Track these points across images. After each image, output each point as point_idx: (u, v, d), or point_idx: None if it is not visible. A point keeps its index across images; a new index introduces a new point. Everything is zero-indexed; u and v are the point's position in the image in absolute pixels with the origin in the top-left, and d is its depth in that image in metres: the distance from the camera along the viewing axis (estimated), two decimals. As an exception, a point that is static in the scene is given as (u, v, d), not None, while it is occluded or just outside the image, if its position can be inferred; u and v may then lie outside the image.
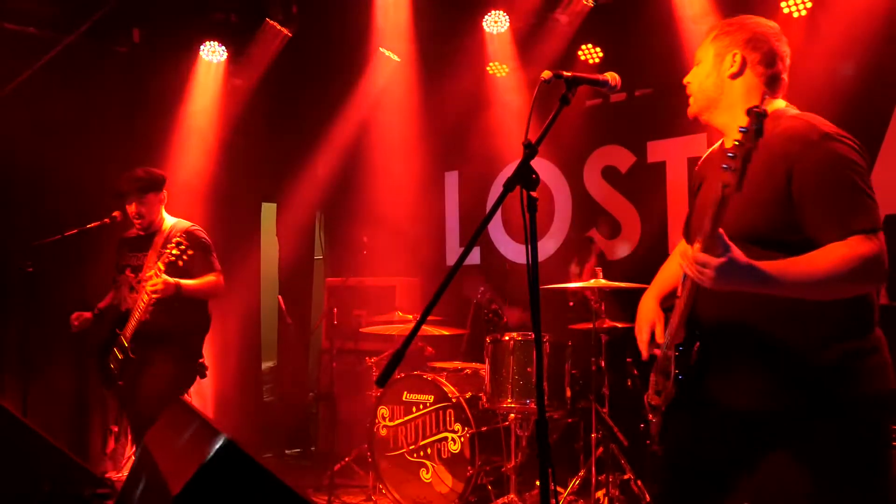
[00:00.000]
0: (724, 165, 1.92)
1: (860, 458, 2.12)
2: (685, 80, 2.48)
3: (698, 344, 2.22)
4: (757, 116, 1.89)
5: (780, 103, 2.34)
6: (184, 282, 4.22)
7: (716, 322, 2.21)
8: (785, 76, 2.36)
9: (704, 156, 2.60)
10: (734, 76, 2.34)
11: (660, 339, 2.41)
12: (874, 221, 2.05)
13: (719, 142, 2.50)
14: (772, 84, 2.34)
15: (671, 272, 2.63)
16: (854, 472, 2.12)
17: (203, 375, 4.52)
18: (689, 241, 2.44)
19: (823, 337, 2.12)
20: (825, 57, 4.70)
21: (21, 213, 5.66)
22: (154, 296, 4.13)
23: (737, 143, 1.91)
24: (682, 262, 2.08)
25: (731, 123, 2.33)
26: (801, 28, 4.91)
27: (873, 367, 2.13)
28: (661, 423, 2.33)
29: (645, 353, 2.51)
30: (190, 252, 4.16)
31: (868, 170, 2.12)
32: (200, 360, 4.51)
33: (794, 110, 2.29)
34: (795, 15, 4.94)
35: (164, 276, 4.11)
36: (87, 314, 4.58)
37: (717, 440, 2.28)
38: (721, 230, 1.97)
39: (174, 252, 4.10)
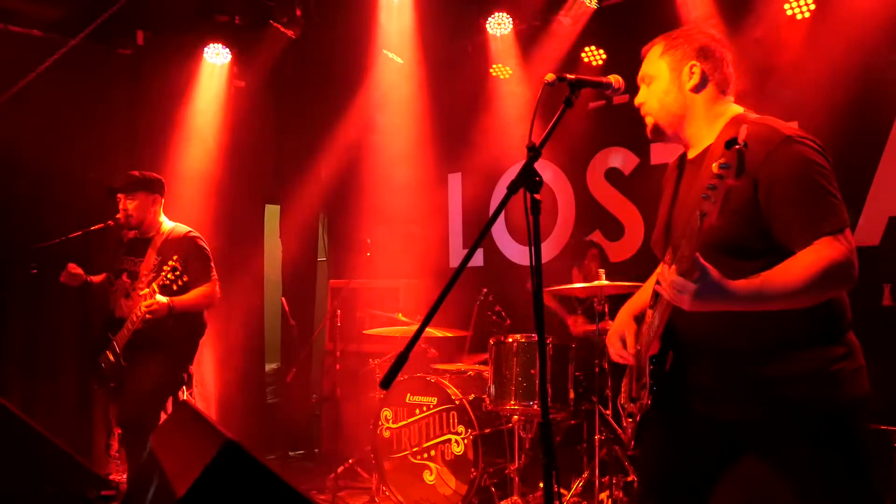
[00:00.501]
0: (704, 195, 1.89)
1: (836, 464, 2.10)
2: (637, 102, 2.43)
3: (672, 355, 2.23)
4: (739, 155, 1.86)
5: (737, 108, 2.33)
6: (177, 300, 4.25)
7: (689, 333, 2.21)
8: (732, 76, 2.37)
9: (670, 166, 2.58)
10: (695, 89, 2.32)
11: (630, 347, 2.42)
12: (841, 221, 2.05)
13: (683, 153, 2.48)
14: (725, 88, 2.35)
15: (650, 290, 2.62)
16: (830, 479, 2.11)
17: (188, 386, 4.52)
18: (660, 253, 2.43)
19: (795, 344, 2.12)
20: (828, 58, 4.70)
21: (25, 215, 5.67)
22: (147, 316, 4.16)
23: (717, 176, 1.87)
24: (657, 284, 2.08)
25: (697, 134, 2.34)
26: (804, 29, 4.91)
27: (846, 373, 2.12)
28: (636, 428, 2.34)
29: (615, 358, 2.52)
30: (185, 278, 4.19)
31: (832, 169, 2.12)
32: (188, 368, 4.50)
33: (752, 114, 2.28)
34: (799, 17, 4.94)
35: (158, 298, 4.14)
36: (80, 273, 4.52)
37: (692, 449, 2.29)
38: (697, 254, 1.94)
39: (169, 276, 4.13)
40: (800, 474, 2.13)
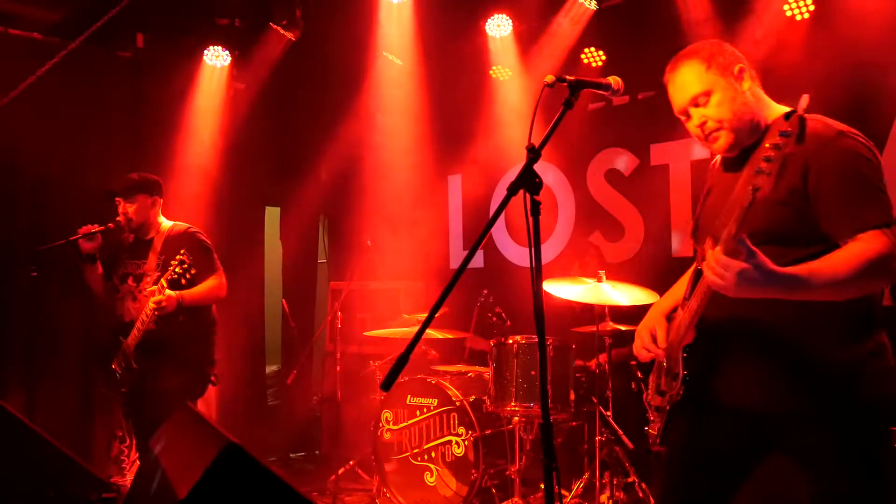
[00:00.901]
0: (758, 169, 1.87)
1: (863, 461, 2.12)
2: (702, 119, 2.30)
3: (707, 345, 2.22)
4: (801, 122, 1.85)
5: (781, 107, 2.34)
6: (186, 293, 4.22)
7: (724, 324, 2.22)
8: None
9: (714, 162, 2.57)
10: (750, 87, 2.31)
11: (661, 343, 2.39)
12: (888, 216, 2.07)
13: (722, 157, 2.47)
14: (758, 80, 2.36)
15: (682, 290, 2.61)
16: (857, 475, 2.12)
17: (215, 383, 4.48)
18: (699, 243, 2.42)
19: (829, 339, 2.13)
20: (828, 59, 4.70)
21: (25, 217, 5.67)
22: (156, 312, 4.14)
23: (775, 146, 1.86)
24: (703, 267, 2.04)
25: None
26: (803, 30, 4.91)
27: (878, 370, 2.14)
28: (664, 422, 2.33)
29: (640, 356, 2.50)
30: (193, 271, 4.17)
31: (880, 166, 2.15)
32: (210, 368, 4.46)
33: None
34: (798, 17, 4.94)
35: (168, 292, 4.11)
36: (95, 228, 4.41)
37: (722, 440, 2.29)
38: (744, 235, 1.93)
39: (177, 270, 4.10)
40: (827, 468, 2.14)
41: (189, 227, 4.50)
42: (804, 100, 1.90)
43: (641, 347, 2.47)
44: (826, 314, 2.09)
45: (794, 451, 2.20)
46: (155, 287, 4.11)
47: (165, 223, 4.51)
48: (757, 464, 2.28)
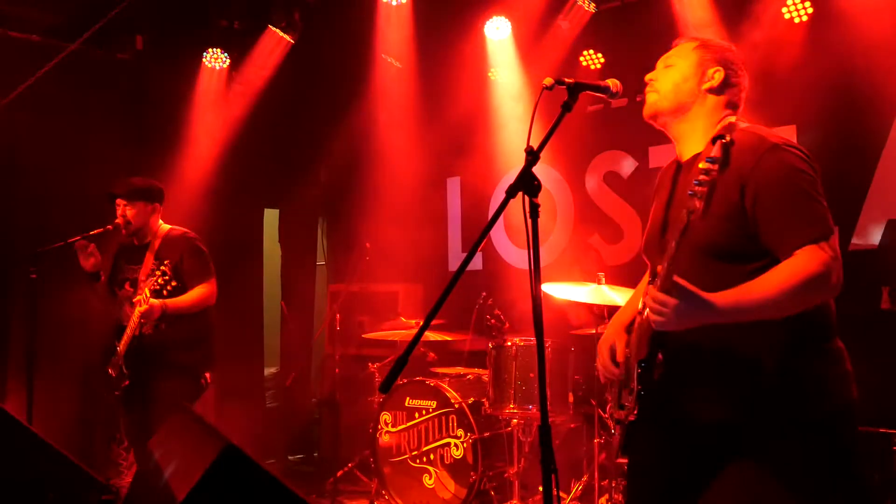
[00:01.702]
0: (690, 192, 1.96)
1: (822, 470, 2.12)
2: (648, 77, 2.45)
3: (660, 359, 2.23)
4: (724, 147, 1.94)
5: (731, 117, 2.37)
6: (170, 302, 4.21)
7: (677, 338, 2.21)
8: (742, 102, 2.42)
9: (662, 170, 2.59)
10: (711, 90, 2.35)
11: (619, 357, 2.43)
12: (825, 228, 2.08)
13: (672, 159, 2.50)
14: (735, 106, 2.39)
15: (639, 299, 2.62)
16: (816, 484, 2.12)
17: (204, 388, 4.48)
18: (649, 257, 2.45)
19: (781, 350, 2.13)
20: (826, 62, 4.71)
21: (25, 219, 5.67)
22: (141, 320, 4.15)
23: (704, 172, 1.94)
24: (644, 299, 2.11)
25: (688, 135, 2.37)
26: (801, 33, 4.92)
27: (832, 379, 2.14)
28: (623, 435, 2.34)
29: (601, 374, 2.53)
30: (174, 283, 4.16)
31: (818, 177, 2.15)
32: (203, 372, 4.45)
33: (743, 123, 2.31)
34: (797, 20, 4.94)
35: (152, 301, 4.12)
36: (93, 247, 4.42)
37: (679, 453, 2.30)
38: (676, 277, 2.00)
39: (159, 281, 4.11)
40: (787, 479, 2.14)
41: (186, 232, 4.50)
42: (730, 128, 1.97)
43: (600, 366, 2.52)
44: (779, 324, 2.09)
45: (754, 463, 2.19)
46: (140, 297, 4.13)
47: (164, 227, 4.52)
48: (714, 474, 2.27)
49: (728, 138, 1.94)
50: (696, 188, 1.95)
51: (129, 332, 4.25)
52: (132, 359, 4.28)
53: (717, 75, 2.35)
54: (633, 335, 2.34)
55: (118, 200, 4.42)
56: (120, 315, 4.43)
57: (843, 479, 2.13)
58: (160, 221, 4.53)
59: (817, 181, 2.14)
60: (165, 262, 4.17)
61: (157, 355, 4.29)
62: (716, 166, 1.94)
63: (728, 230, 2.15)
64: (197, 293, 4.35)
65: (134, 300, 4.28)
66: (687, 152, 2.39)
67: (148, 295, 4.11)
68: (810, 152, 2.20)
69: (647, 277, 2.51)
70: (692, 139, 2.36)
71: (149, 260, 4.38)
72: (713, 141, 1.96)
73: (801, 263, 2.04)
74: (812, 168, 2.15)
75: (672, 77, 2.39)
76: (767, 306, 2.03)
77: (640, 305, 2.33)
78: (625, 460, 2.47)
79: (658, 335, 2.21)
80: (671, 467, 2.32)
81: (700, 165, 1.95)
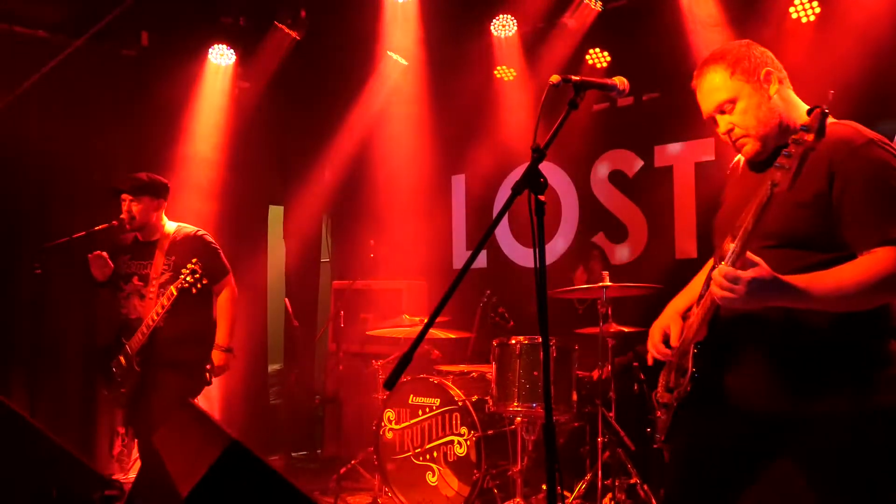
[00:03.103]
0: (777, 164, 1.90)
1: (873, 467, 2.10)
2: (728, 126, 2.29)
3: (719, 343, 2.21)
4: (822, 116, 1.86)
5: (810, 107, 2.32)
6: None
7: (737, 323, 2.20)
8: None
9: (736, 160, 2.55)
10: (778, 91, 2.28)
11: (674, 342, 2.39)
12: None
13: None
14: (786, 81, 2.33)
15: (697, 288, 2.60)
16: (866, 482, 2.10)
17: (208, 382, 4.49)
18: (717, 243, 2.40)
19: (843, 345, 2.11)
20: (833, 62, 4.69)
21: (30, 215, 5.68)
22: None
23: (795, 141, 1.87)
24: (711, 282, 2.06)
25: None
26: (809, 33, 4.91)
27: (889, 378, 2.11)
28: (670, 419, 2.31)
29: (650, 356, 2.50)
30: (205, 280, 4.18)
31: None
32: (207, 367, 4.48)
33: (832, 117, 2.27)
34: (804, 20, 4.93)
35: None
36: (105, 255, 4.45)
37: (728, 440, 2.27)
38: (749, 253, 1.96)
39: (188, 279, 4.10)
40: (836, 474, 2.12)
41: (197, 231, 4.49)
42: (829, 96, 1.90)
43: (651, 347, 2.47)
44: (841, 319, 2.08)
45: (802, 457, 2.18)
46: (163, 300, 4.14)
47: (170, 225, 4.50)
48: (763, 466, 2.26)
49: (825, 107, 1.87)
50: (785, 160, 1.87)
51: (144, 329, 4.23)
52: (143, 356, 4.28)
53: (771, 77, 2.27)
54: (691, 319, 2.31)
55: (123, 196, 4.40)
56: (127, 309, 4.42)
57: (888, 480, 2.10)
58: (165, 218, 4.52)
59: None
60: (194, 260, 4.17)
61: (165, 350, 4.29)
62: (811, 136, 1.85)
63: (805, 217, 2.12)
64: (225, 303, 4.48)
65: (146, 295, 4.29)
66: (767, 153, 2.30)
67: (174, 294, 4.11)
68: None
69: (709, 264, 2.47)
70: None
71: (158, 256, 4.37)
72: (809, 112, 1.88)
73: (880, 261, 2.02)
74: None
75: (748, 113, 2.25)
76: (838, 297, 2.02)
77: (700, 290, 2.30)
78: (664, 445, 2.43)
79: (718, 321, 2.18)
80: (718, 453, 2.29)
81: (791, 138, 1.87)
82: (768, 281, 1.96)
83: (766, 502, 2.30)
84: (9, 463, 2.60)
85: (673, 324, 2.43)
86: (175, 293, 4.10)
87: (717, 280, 2.01)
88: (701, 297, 2.30)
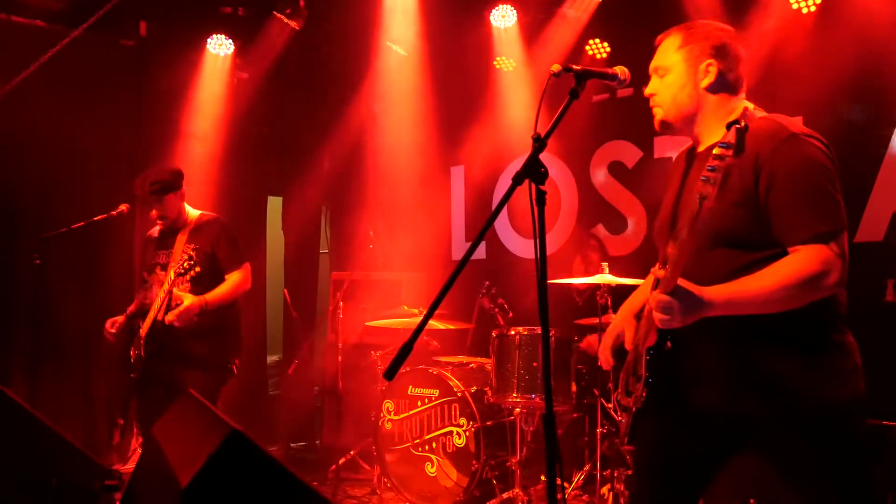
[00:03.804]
0: (703, 177, 1.92)
1: (828, 462, 2.11)
2: (648, 92, 2.41)
3: (668, 347, 2.22)
4: (739, 133, 1.89)
5: (747, 104, 2.32)
6: (210, 296, 4.20)
7: (686, 326, 2.21)
8: (744, 76, 2.35)
9: (677, 156, 2.58)
10: (710, 87, 2.30)
11: (628, 344, 2.42)
12: (836, 224, 2.06)
13: (689, 145, 2.47)
14: (738, 88, 2.33)
15: (649, 287, 2.61)
16: (824, 476, 2.11)
17: (233, 374, 4.47)
18: (661, 245, 2.43)
19: (793, 340, 2.11)
20: (834, 52, 4.69)
21: (28, 205, 5.67)
22: (175, 322, 4.09)
23: (718, 157, 1.90)
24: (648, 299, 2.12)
25: (706, 131, 2.33)
26: (809, 24, 4.90)
27: (840, 371, 2.12)
28: (630, 423, 2.33)
29: (603, 361, 2.55)
30: (198, 269, 4.15)
31: (836, 170, 2.12)
32: (235, 361, 4.42)
33: (761, 112, 2.27)
34: (805, 11, 4.92)
35: (188, 299, 4.10)
36: (121, 318, 4.48)
37: (686, 442, 2.29)
38: (680, 279, 2.02)
39: (184, 265, 4.09)
40: (794, 470, 2.15)
41: (218, 217, 4.50)
42: (744, 115, 1.98)
43: (601, 355, 2.54)
44: (788, 315, 2.07)
45: (761, 454, 2.20)
46: (164, 285, 4.11)
47: (192, 212, 4.49)
48: (724, 465, 2.28)
49: (743, 123, 1.90)
50: (710, 174, 1.91)
51: (150, 315, 4.23)
52: (151, 343, 4.27)
53: (711, 69, 2.29)
54: (642, 321, 2.32)
55: (150, 204, 4.38)
56: (149, 300, 4.42)
57: (850, 472, 2.12)
58: (186, 206, 4.52)
59: (835, 176, 2.11)
60: (192, 248, 4.16)
61: (178, 343, 4.25)
62: (730, 151, 1.89)
63: (740, 216, 2.13)
64: (233, 281, 4.35)
65: (155, 286, 4.29)
66: (704, 143, 2.36)
67: (172, 279, 4.09)
68: None
69: (657, 266, 2.49)
70: (708, 134, 2.32)
71: (179, 245, 4.37)
72: (728, 126, 1.92)
73: (801, 261, 2.04)
74: (831, 161, 2.12)
75: (668, 89, 2.34)
76: (763, 302, 2.04)
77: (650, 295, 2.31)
78: (630, 448, 2.46)
79: None
80: (677, 455, 2.31)
81: (714, 151, 1.92)
82: (695, 303, 2.01)
83: (732, 499, 2.31)
84: (8, 453, 2.60)
85: (627, 326, 2.46)
86: (173, 278, 4.10)
87: (651, 305, 2.07)
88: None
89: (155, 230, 4.58)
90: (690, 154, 2.44)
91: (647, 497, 2.41)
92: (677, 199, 2.39)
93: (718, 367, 2.20)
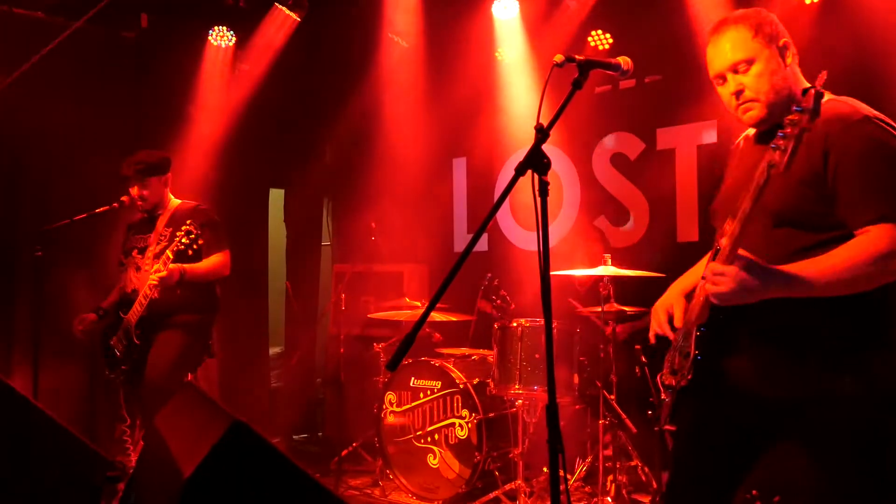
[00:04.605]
0: (773, 145, 1.88)
1: (875, 453, 2.09)
2: (733, 90, 2.26)
3: (721, 326, 2.19)
4: (817, 96, 1.84)
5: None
6: (189, 266, 4.23)
7: (739, 306, 2.19)
8: None
9: (738, 141, 2.53)
10: (792, 64, 2.26)
11: (678, 322, 2.37)
12: None
13: (750, 130, 2.43)
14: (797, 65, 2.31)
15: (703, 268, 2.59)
16: (867, 466, 2.10)
17: (211, 355, 4.53)
18: (717, 225, 2.39)
19: (844, 328, 2.09)
20: (837, 43, 4.66)
21: (30, 198, 5.67)
22: (156, 283, 4.15)
23: (790, 121, 1.85)
24: (704, 279, 2.05)
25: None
26: (813, 14, 4.87)
27: (892, 363, 2.09)
28: (673, 402, 2.30)
29: (652, 334, 2.49)
30: (201, 241, 4.18)
31: None
32: (209, 341, 4.52)
33: (829, 94, 2.22)
34: (808, 1, 4.90)
35: (171, 265, 4.13)
36: (91, 316, 4.57)
37: (731, 422, 2.27)
38: (741, 250, 1.95)
39: (184, 241, 4.11)
40: (837, 458, 2.12)
41: (199, 204, 4.54)
42: (821, 76, 1.88)
43: (656, 324, 2.46)
44: (842, 302, 2.05)
45: (803, 439, 2.18)
46: (159, 264, 4.12)
47: (174, 200, 4.56)
48: (766, 448, 2.26)
49: (819, 89, 1.85)
50: (781, 142, 1.85)
51: (142, 300, 4.26)
52: (142, 327, 4.31)
53: (783, 42, 2.25)
54: (694, 300, 2.29)
55: (134, 184, 4.44)
56: (124, 283, 4.46)
57: (880, 467, 2.10)
58: (170, 194, 4.56)
59: None
60: (189, 222, 4.18)
61: (160, 320, 4.35)
62: (806, 116, 1.83)
63: (804, 195, 2.09)
64: (213, 261, 4.41)
65: (142, 266, 4.30)
66: (769, 123, 2.27)
67: (170, 256, 4.12)
68: None
69: (716, 241, 2.47)
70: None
71: (159, 226, 4.41)
72: (803, 93, 1.86)
73: (874, 240, 1.99)
74: None
75: (761, 78, 2.22)
76: (834, 282, 1.99)
77: (703, 274, 2.29)
78: (671, 427, 2.43)
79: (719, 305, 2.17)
80: (722, 434, 2.29)
81: (787, 118, 1.85)
82: (760, 276, 1.95)
83: (770, 482, 2.30)
84: (12, 445, 2.60)
85: (676, 304, 2.41)
86: (171, 256, 4.11)
87: (708, 277, 2.01)
88: (703, 278, 2.28)
89: (137, 216, 4.61)
90: (758, 135, 2.37)
91: (686, 478, 2.39)
92: (739, 180, 2.29)
93: (767, 350, 2.17)
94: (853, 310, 2.08)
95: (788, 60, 2.26)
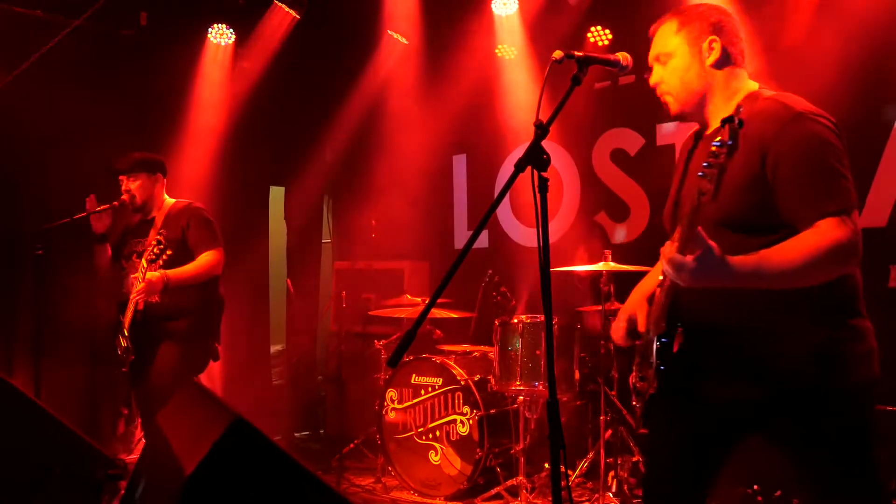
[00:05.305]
0: (700, 173, 1.91)
1: (843, 447, 2.11)
2: (653, 82, 2.39)
3: (680, 334, 2.20)
4: (732, 131, 1.87)
5: (753, 85, 2.31)
6: (171, 273, 4.20)
7: (697, 313, 2.19)
8: (745, 51, 2.35)
9: (685, 140, 2.57)
10: (716, 64, 2.29)
11: (641, 328, 2.41)
12: (848, 202, 2.03)
13: (696, 128, 2.46)
14: (741, 60, 2.32)
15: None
16: (834, 460, 2.11)
17: (216, 358, 4.50)
18: (669, 228, 2.42)
19: (805, 325, 2.10)
20: (839, 35, 4.65)
21: (30, 196, 5.67)
22: (141, 297, 4.16)
23: (713, 155, 1.88)
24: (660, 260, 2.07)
25: (715, 111, 2.31)
26: (813, 7, 4.86)
27: (856, 355, 2.11)
28: (644, 408, 2.33)
29: (618, 341, 2.53)
30: (169, 252, 4.17)
31: (844, 149, 2.10)
32: (213, 343, 4.48)
33: (768, 91, 2.25)
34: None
35: (150, 275, 4.12)
36: (107, 219, 4.45)
37: (699, 428, 2.28)
38: (700, 228, 1.94)
39: (154, 251, 4.12)
40: (805, 455, 2.14)
41: (190, 203, 4.53)
42: (739, 110, 1.91)
43: (615, 336, 2.51)
44: (800, 300, 2.06)
45: (775, 440, 2.21)
46: (138, 273, 4.14)
47: (168, 201, 4.54)
48: (736, 448, 2.28)
49: (737, 121, 1.87)
50: (706, 170, 1.89)
51: (130, 305, 4.27)
52: (135, 332, 4.30)
53: (714, 45, 2.28)
54: (653, 308, 2.31)
55: (121, 177, 4.45)
56: (126, 288, 4.46)
57: (859, 456, 2.12)
58: (165, 195, 4.55)
59: (843, 153, 2.08)
60: (161, 232, 4.18)
61: (158, 325, 4.32)
62: (724, 150, 1.87)
63: (746, 201, 2.11)
64: (201, 261, 4.33)
65: (132, 275, 4.31)
66: (712, 125, 2.34)
67: (146, 266, 4.12)
68: None
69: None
70: (716, 114, 2.30)
71: (153, 232, 4.40)
72: (722, 123, 1.89)
73: (824, 233, 1.99)
74: (839, 139, 2.10)
75: (674, 73, 2.33)
76: (785, 273, 2.00)
77: (659, 280, 2.29)
78: (645, 432, 2.45)
79: (676, 311, 2.18)
80: (689, 440, 2.31)
81: (711, 148, 1.89)
82: (714, 260, 1.94)
83: (773, 479, 2.31)
84: (13, 443, 2.61)
85: (639, 310, 2.44)
86: (146, 266, 4.12)
87: (663, 260, 2.01)
88: (660, 285, 2.28)
89: (134, 218, 4.61)
90: (697, 136, 2.43)
91: (660, 481, 2.41)
92: (681, 185, 2.38)
93: (730, 353, 2.19)
94: (812, 306, 2.09)
95: (709, 60, 2.28)
